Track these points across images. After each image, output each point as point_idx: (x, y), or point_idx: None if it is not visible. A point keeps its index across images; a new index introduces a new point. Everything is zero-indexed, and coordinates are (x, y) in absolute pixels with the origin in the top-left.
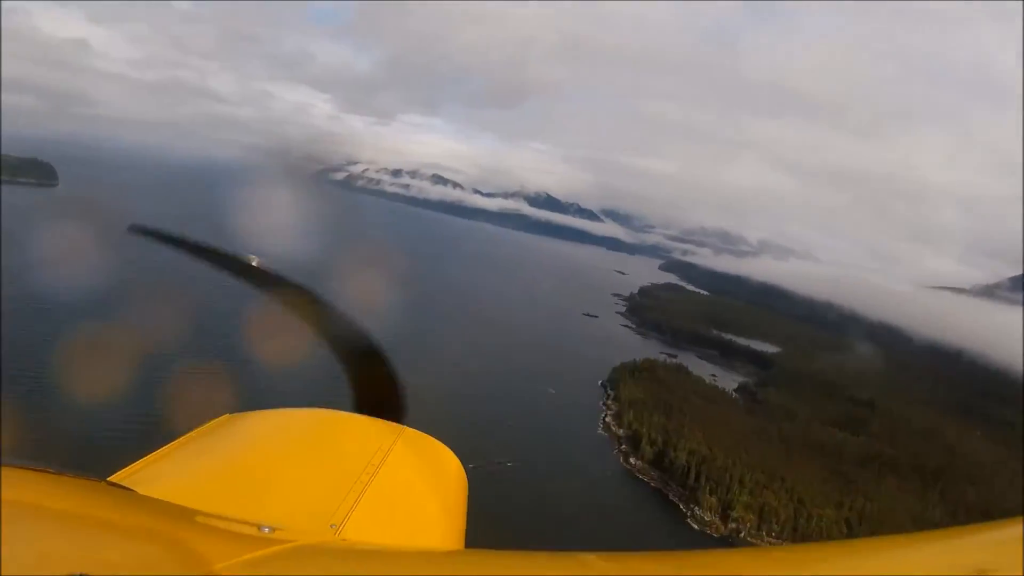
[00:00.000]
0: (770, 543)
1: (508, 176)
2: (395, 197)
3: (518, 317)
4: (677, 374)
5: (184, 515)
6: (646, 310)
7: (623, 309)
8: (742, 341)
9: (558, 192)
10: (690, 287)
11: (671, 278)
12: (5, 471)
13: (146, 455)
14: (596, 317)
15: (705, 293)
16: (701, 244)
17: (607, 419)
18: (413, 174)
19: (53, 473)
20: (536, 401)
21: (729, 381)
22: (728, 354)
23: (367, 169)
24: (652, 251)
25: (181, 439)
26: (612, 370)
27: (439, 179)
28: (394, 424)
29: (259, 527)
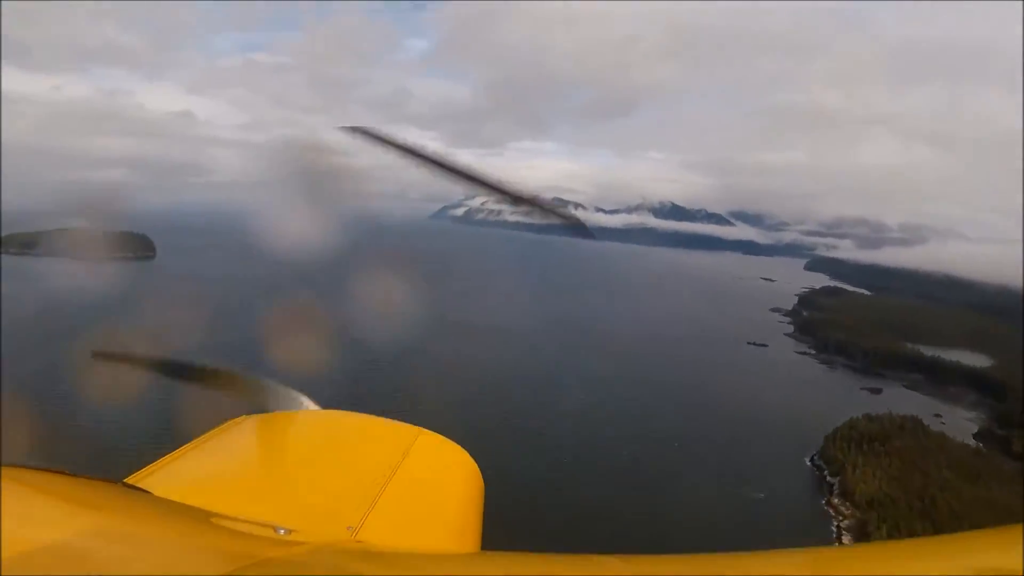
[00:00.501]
0: None
1: (629, 190)
2: (517, 226)
3: (666, 353)
4: (915, 436)
5: (200, 517)
6: (818, 327)
7: (790, 328)
8: (949, 356)
9: (682, 200)
10: (851, 288)
11: (822, 279)
12: (22, 473)
13: (162, 457)
14: (765, 346)
15: (868, 293)
16: (841, 236)
17: (841, 534)
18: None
19: (69, 475)
20: (725, 504)
21: (959, 420)
22: (938, 378)
23: (486, 201)
24: (791, 250)
25: (196, 441)
26: (824, 441)
27: (559, 201)
28: (411, 426)
29: (275, 529)
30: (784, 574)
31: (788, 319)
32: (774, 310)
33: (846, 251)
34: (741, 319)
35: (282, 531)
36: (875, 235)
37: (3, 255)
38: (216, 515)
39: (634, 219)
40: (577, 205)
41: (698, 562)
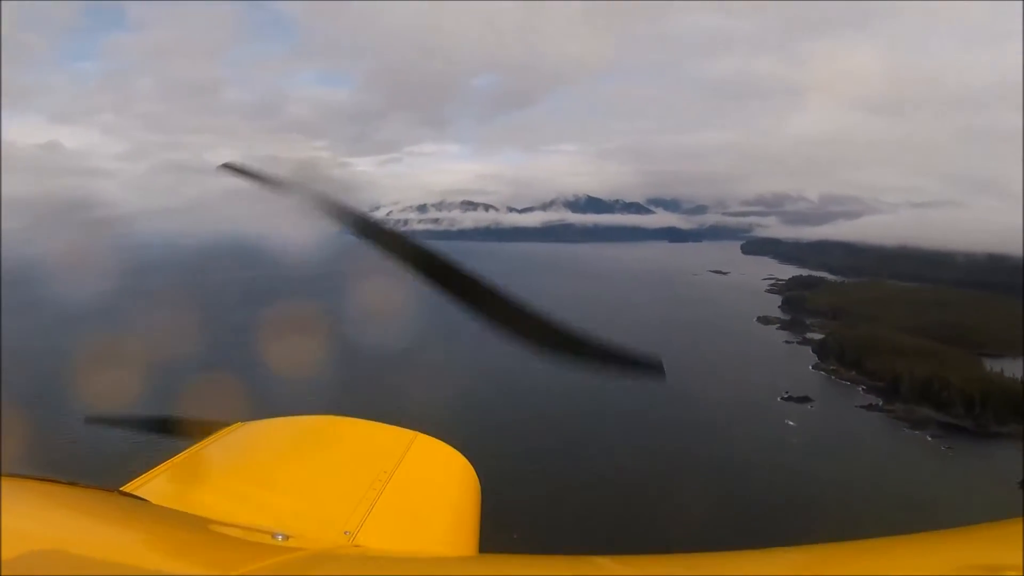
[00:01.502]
0: None
1: (543, 186)
2: (425, 234)
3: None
4: None
5: (197, 524)
6: (849, 349)
7: (807, 352)
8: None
9: (600, 191)
10: (824, 274)
11: (769, 263)
12: (18, 482)
13: (158, 465)
14: (809, 401)
15: (851, 279)
16: (764, 214)
17: None
18: (439, 205)
19: (66, 484)
20: None
21: None
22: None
23: (391, 211)
24: (716, 234)
25: (193, 448)
26: None
27: (469, 205)
28: (407, 431)
29: (272, 535)
30: (784, 573)
31: (791, 335)
32: (763, 321)
33: (778, 230)
34: (726, 334)
35: (279, 537)
36: (800, 210)
37: None
38: (213, 522)
39: (551, 216)
40: (488, 207)
41: (696, 562)
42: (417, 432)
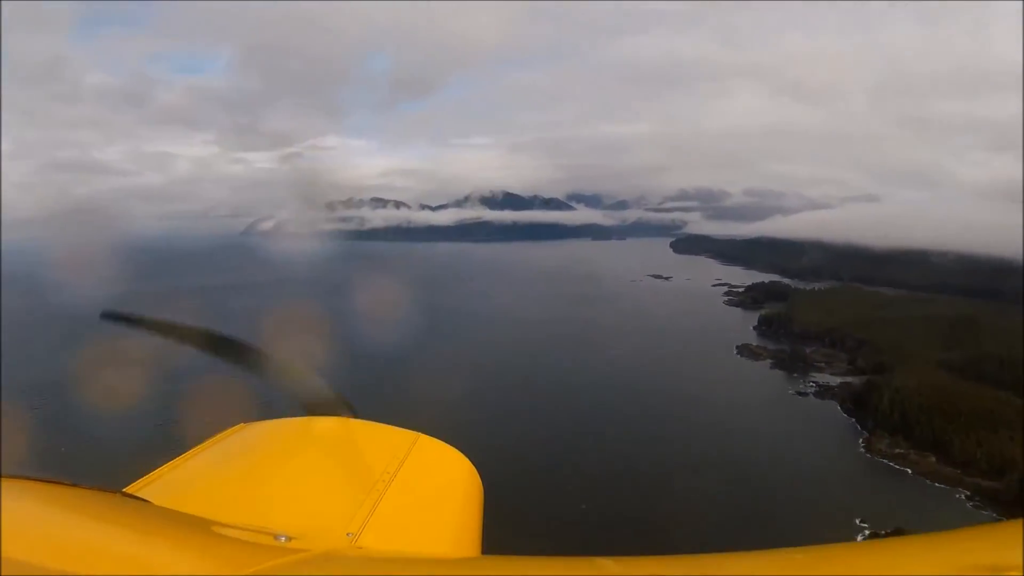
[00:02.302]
0: None
1: (456, 182)
2: (333, 235)
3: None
4: None
5: (199, 525)
6: (907, 417)
7: (827, 400)
8: None
9: (517, 187)
10: (774, 276)
11: (708, 264)
12: (20, 483)
13: (161, 465)
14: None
15: (807, 285)
16: (688, 209)
17: None
18: (347, 203)
19: (68, 485)
20: None
21: None
22: None
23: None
24: (640, 230)
25: (195, 449)
26: None
27: (379, 202)
28: (409, 431)
29: (275, 536)
30: (784, 574)
31: (796, 380)
32: (747, 354)
33: (707, 226)
34: (706, 366)
35: (282, 538)
36: (728, 205)
37: None
38: (215, 523)
39: (466, 213)
40: (399, 204)
41: (696, 562)
42: (420, 433)
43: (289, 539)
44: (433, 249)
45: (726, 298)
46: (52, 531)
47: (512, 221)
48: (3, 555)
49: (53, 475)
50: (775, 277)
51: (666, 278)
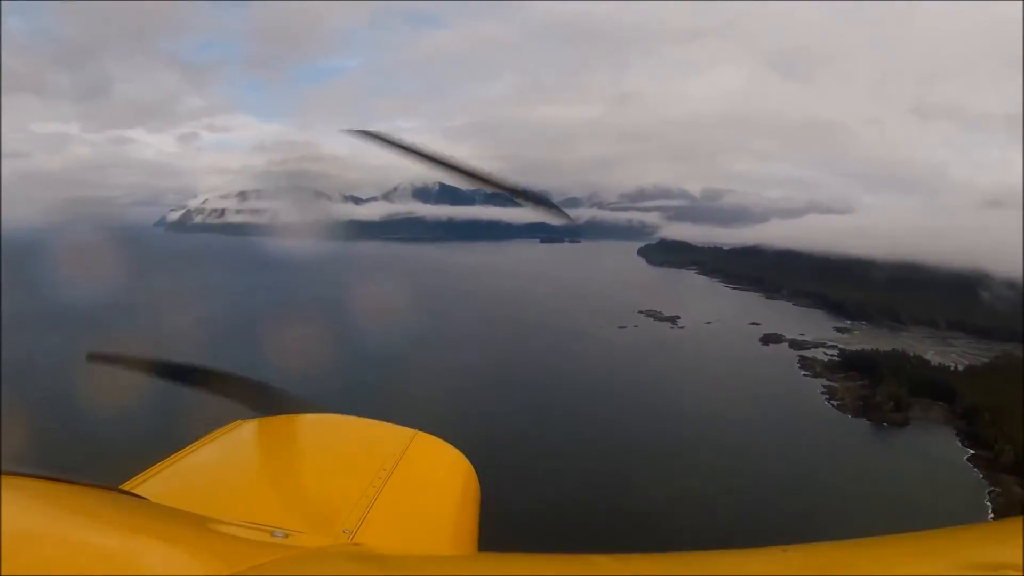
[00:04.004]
0: None
1: (383, 171)
2: (246, 229)
3: None
4: None
5: (196, 522)
6: None
7: None
8: None
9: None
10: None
11: (700, 284)
12: (17, 480)
13: (157, 462)
14: None
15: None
16: (647, 209)
17: None
18: (261, 193)
19: (65, 482)
20: None
21: None
22: None
23: (207, 199)
24: (594, 231)
25: (192, 446)
26: None
27: (301, 192)
28: (406, 428)
29: (271, 532)
30: (783, 573)
31: None
32: None
33: (678, 230)
34: None
35: (279, 534)
36: (703, 206)
37: None
38: (212, 519)
39: (396, 208)
40: (319, 195)
41: (695, 561)
42: (417, 430)
43: (285, 535)
44: (355, 249)
45: (804, 373)
46: (48, 527)
47: (448, 218)
48: (1, 552)
49: (49, 472)
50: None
51: (672, 320)
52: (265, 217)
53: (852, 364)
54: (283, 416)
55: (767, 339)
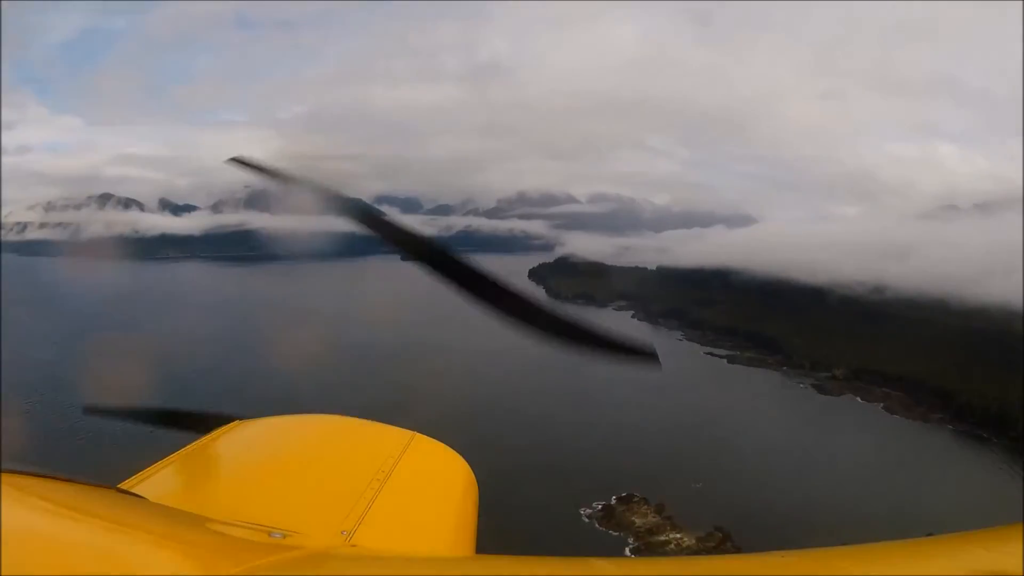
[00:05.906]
0: None
1: (210, 175)
2: (47, 248)
3: None
4: None
5: (194, 522)
6: None
7: None
8: None
9: None
10: None
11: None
12: (15, 478)
13: (156, 462)
14: None
15: None
16: (528, 216)
17: None
18: (69, 204)
19: (63, 480)
20: None
21: None
22: None
23: (10, 213)
24: (473, 242)
25: (191, 446)
26: None
27: (107, 199)
28: (405, 430)
29: (269, 533)
30: (782, 574)
31: None
32: None
33: (575, 241)
34: None
35: (277, 535)
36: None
37: None
38: (210, 519)
39: (223, 219)
40: (130, 202)
41: (694, 563)
42: (415, 432)
43: (284, 536)
44: (176, 273)
45: None
46: (47, 527)
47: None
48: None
49: (48, 471)
50: None
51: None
52: (69, 231)
53: None
54: (283, 416)
55: None
